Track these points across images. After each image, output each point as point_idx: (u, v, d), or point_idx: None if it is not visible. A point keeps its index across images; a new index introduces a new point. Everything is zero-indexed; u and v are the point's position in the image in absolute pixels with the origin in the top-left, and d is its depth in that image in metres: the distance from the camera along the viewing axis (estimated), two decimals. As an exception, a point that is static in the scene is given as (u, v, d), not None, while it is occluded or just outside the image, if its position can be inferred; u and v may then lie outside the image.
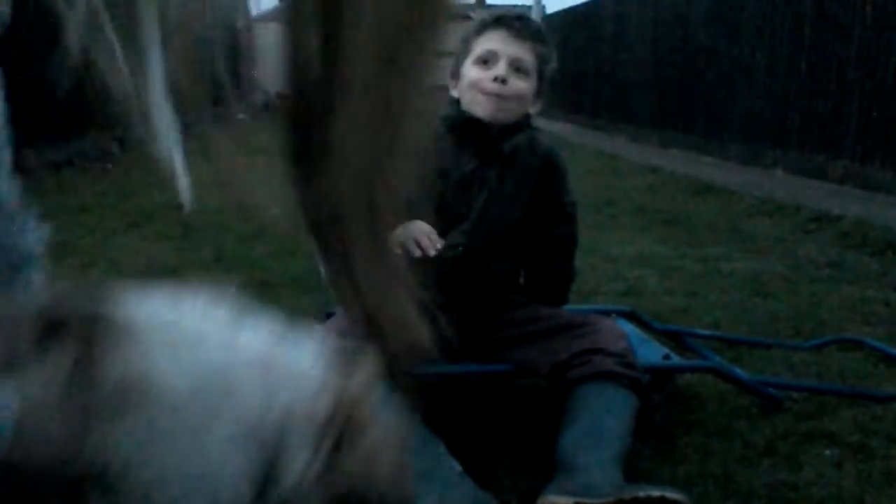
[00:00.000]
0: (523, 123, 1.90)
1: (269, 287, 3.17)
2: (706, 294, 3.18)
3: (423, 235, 1.65)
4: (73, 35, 0.39)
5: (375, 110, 0.40)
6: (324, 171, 0.41)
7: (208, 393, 0.38)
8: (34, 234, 0.53)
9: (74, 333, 0.36)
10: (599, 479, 1.47)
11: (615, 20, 11.87)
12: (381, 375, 0.46)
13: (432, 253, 1.64)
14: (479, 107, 1.84)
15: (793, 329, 2.75)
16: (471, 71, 1.86)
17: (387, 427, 0.44)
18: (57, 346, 0.36)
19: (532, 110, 1.92)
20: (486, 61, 1.84)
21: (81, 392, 0.36)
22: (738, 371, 2.15)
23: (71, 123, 7.67)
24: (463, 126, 1.86)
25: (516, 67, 1.84)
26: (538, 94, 1.90)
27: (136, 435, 0.36)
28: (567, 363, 1.72)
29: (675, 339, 2.47)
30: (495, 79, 1.82)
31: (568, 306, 2.05)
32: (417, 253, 1.63)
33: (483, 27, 1.88)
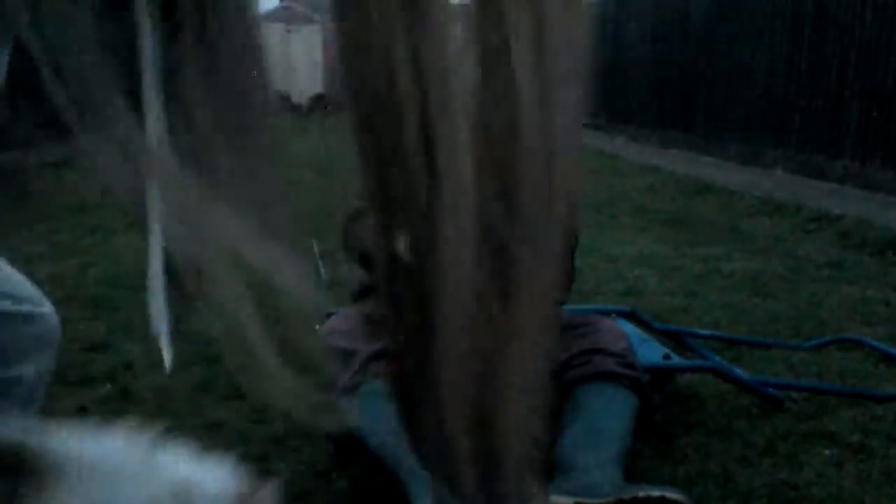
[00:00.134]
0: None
1: (269, 287, 3.17)
2: (706, 294, 3.18)
3: None
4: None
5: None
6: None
7: None
8: None
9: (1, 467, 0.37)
10: (599, 479, 1.47)
11: (615, 20, 11.87)
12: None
13: None
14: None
15: (793, 329, 2.75)
16: (471, 71, 1.86)
17: None
18: None
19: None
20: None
21: None
22: (738, 371, 2.16)
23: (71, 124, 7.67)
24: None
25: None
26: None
27: None
28: (567, 363, 1.72)
29: (675, 339, 2.47)
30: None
31: (568, 306, 2.05)
32: None
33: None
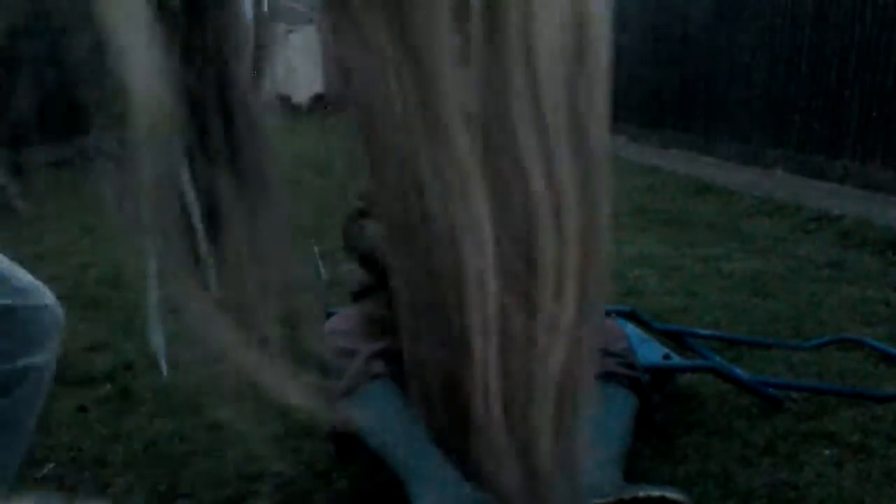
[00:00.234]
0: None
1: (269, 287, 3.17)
2: (706, 294, 3.18)
3: None
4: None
5: None
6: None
7: None
8: None
9: None
10: (599, 479, 1.47)
11: (615, 20, 11.85)
12: None
13: None
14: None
15: (793, 329, 2.75)
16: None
17: None
18: None
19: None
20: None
21: None
22: (738, 371, 2.16)
23: (71, 123, 7.67)
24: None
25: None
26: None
27: None
28: (567, 363, 1.72)
29: (675, 339, 2.47)
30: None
31: (568, 306, 2.05)
32: None
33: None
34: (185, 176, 0.41)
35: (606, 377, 1.68)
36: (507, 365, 0.37)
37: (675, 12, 9.63)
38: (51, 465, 1.72)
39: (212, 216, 0.41)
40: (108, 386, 2.14)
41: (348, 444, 1.70)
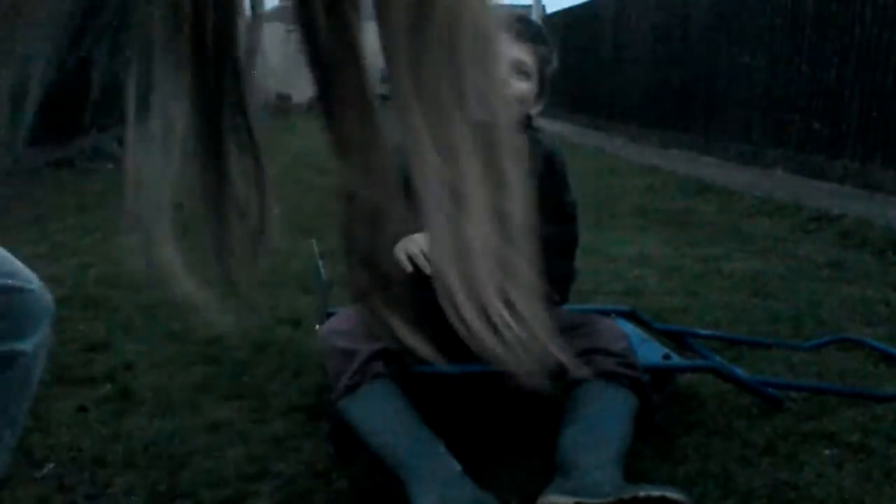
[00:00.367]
0: (524, 124, 1.90)
1: (269, 287, 3.17)
2: (706, 294, 3.18)
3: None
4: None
5: None
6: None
7: None
8: None
9: None
10: (599, 479, 1.47)
11: (615, 20, 11.87)
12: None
13: None
14: (479, 107, 1.84)
15: (793, 329, 2.75)
16: (471, 72, 1.85)
17: None
18: None
19: (533, 111, 1.92)
20: (485, 62, 1.84)
21: None
22: (738, 371, 2.15)
23: (71, 123, 7.67)
24: (463, 126, 1.86)
25: (516, 69, 1.84)
26: (539, 95, 1.90)
27: None
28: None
29: (675, 339, 2.47)
30: (495, 79, 1.81)
31: (568, 306, 2.05)
32: (428, 270, 1.64)
33: (483, 28, 1.88)
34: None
35: (606, 377, 1.68)
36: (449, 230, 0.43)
37: (675, 12, 9.63)
38: (51, 465, 1.72)
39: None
40: (108, 386, 2.14)
41: (348, 444, 1.70)
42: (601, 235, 4.21)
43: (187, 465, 1.72)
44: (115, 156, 7.75)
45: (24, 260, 1.20)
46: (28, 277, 1.10)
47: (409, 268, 1.65)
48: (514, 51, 1.84)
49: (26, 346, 1.08)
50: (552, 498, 1.47)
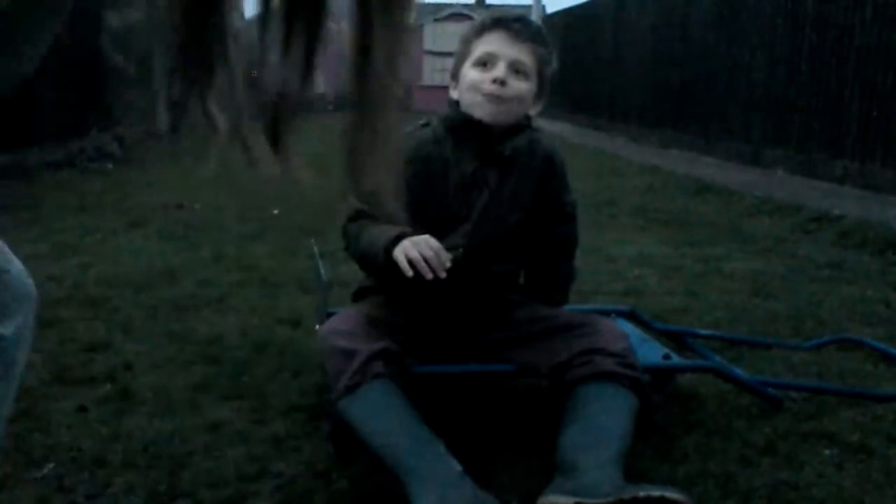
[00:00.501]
0: (524, 125, 1.90)
1: (269, 287, 3.17)
2: (706, 294, 3.18)
3: (433, 255, 1.65)
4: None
5: None
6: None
7: None
8: None
9: None
10: (599, 479, 1.47)
11: (615, 20, 11.87)
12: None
13: (443, 275, 1.65)
14: (478, 108, 1.84)
15: (793, 329, 2.75)
16: (470, 73, 1.85)
17: None
18: None
19: (532, 112, 1.92)
20: (485, 63, 1.84)
21: None
22: (738, 371, 2.16)
23: (71, 123, 7.67)
24: (463, 128, 1.86)
25: (515, 69, 1.83)
26: (538, 95, 1.90)
27: None
28: (567, 363, 1.72)
29: (675, 339, 2.47)
30: (494, 80, 1.81)
31: (568, 306, 2.05)
32: (429, 276, 1.64)
33: (482, 29, 1.88)
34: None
35: (606, 377, 1.68)
36: None
37: (675, 12, 9.63)
38: (51, 465, 1.72)
39: None
40: (108, 386, 2.14)
41: (348, 444, 1.70)
42: (601, 235, 4.21)
43: (187, 465, 1.72)
44: (115, 156, 7.76)
45: (24, 260, 1.20)
46: (6, 260, 1.09)
47: (410, 272, 1.65)
48: (513, 51, 1.84)
49: (5, 329, 1.07)
50: (552, 498, 1.47)
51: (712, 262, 3.76)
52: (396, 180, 0.52)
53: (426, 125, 1.94)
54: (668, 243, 4.20)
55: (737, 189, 6.01)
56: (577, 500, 1.43)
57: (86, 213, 4.87)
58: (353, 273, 2.15)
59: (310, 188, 0.52)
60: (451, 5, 20.69)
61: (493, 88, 1.81)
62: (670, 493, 1.42)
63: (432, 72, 18.07)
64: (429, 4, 21.89)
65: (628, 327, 2.24)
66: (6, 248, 1.10)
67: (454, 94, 1.91)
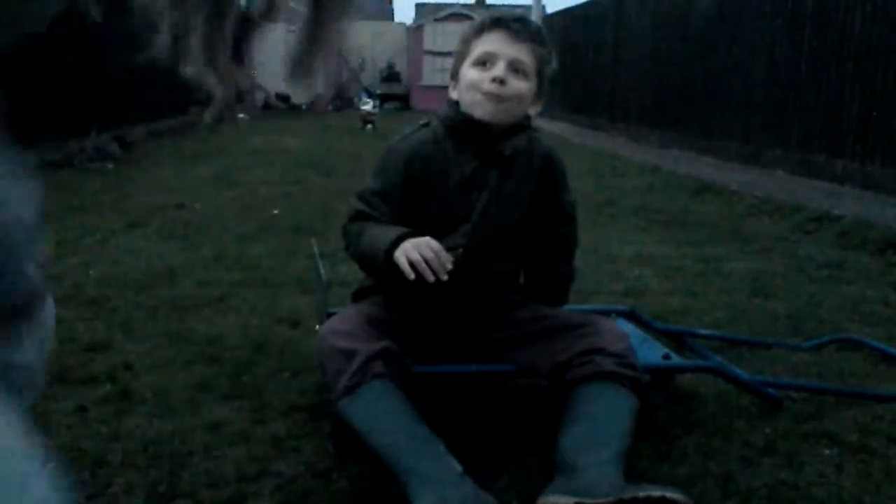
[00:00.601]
0: (523, 125, 1.90)
1: (269, 287, 3.17)
2: (706, 294, 3.18)
3: (434, 257, 1.65)
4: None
5: None
6: None
7: None
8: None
9: None
10: (599, 479, 1.47)
11: (615, 20, 11.87)
12: None
13: (444, 276, 1.64)
14: (478, 108, 1.84)
15: (793, 329, 2.75)
16: (470, 72, 1.85)
17: None
18: None
19: (532, 111, 1.92)
20: (484, 63, 1.84)
21: None
22: (738, 371, 2.15)
23: (71, 123, 7.67)
24: (463, 127, 1.86)
25: (515, 69, 1.83)
26: (538, 95, 1.90)
27: None
28: (567, 363, 1.72)
29: (675, 339, 2.47)
30: (494, 79, 1.81)
31: (568, 306, 2.05)
32: (430, 278, 1.64)
33: (482, 29, 1.88)
34: None
35: (606, 377, 1.68)
36: None
37: (674, 12, 9.63)
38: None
39: None
40: (108, 386, 2.14)
41: (348, 444, 1.70)
42: (601, 235, 4.21)
43: (187, 465, 1.72)
44: (115, 156, 7.76)
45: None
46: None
47: (412, 275, 1.65)
48: (513, 50, 1.84)
49: (27, 353, 1.07)
50: (552, 498, 1.47)
51: (712, 262, 3.76)
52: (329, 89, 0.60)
53: (426, 125, 1.94)
54: (668, 243, 4.20)
55: (737, 189, 6.01)
56: (577, 500, 1.43)
57: (85, 212, 4.87)
58: (353, 273, 2.15)
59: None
60: (451, 5, 20.69)
61: (493, 87, 1.81)
62: (670, 493, 1.42)
63: (432, 72, 18.06)
64: (429, 4, 21.87)
65: (628, 327, 2.24)
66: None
67: (454, 94, 1.91)
